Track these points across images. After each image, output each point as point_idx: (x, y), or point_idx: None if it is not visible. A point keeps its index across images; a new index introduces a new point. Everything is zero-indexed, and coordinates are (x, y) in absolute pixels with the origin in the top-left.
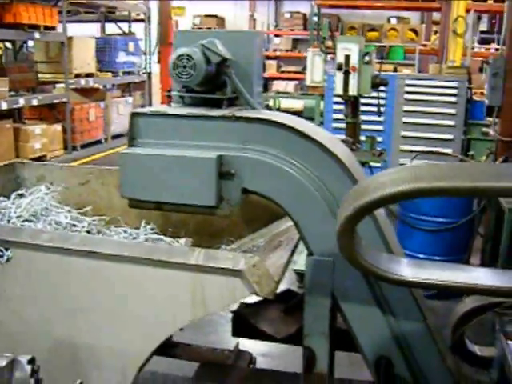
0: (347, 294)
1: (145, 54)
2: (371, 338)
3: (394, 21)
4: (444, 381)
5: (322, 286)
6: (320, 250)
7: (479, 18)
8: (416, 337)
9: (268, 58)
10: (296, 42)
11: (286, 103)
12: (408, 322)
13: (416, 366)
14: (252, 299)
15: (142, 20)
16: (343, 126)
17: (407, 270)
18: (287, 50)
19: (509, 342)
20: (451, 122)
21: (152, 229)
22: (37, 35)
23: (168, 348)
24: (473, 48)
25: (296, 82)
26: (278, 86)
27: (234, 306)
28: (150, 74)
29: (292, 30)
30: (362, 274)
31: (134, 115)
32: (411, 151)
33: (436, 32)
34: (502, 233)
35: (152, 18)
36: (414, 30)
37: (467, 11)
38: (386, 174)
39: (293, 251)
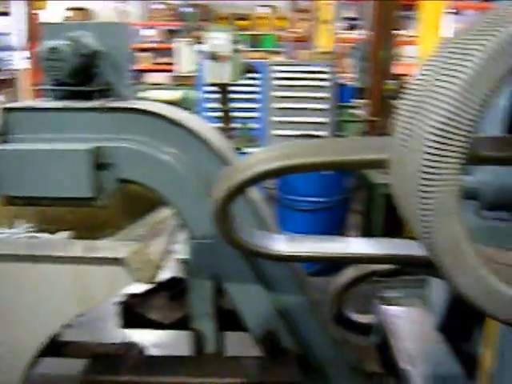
0: (229, 274)
1: (12, 49)
2: (256, 314)
3: (263, 9)
4: (328, 349)
5: (204, 268)
6: (200, 233)
7: (345, 6)
8: (298, 310)
9: (141, 50)
10: (170, 34)
11: (161, 95)
12: (290, 297)
13: (301, 337)
14: (139, 289)
15: (4, 13)
16: (217, 114)
17: (284, 245)
18: (161, 42)
19: (384, 306)
20: (323, 106)
21: (27, 227)
22: None
23: (58, 347)
24: (340, 34)
25: (171, 73)
26: (152, 78)
27: (121, 298)
28: (18, 70)
29: (164, 21)
30: (242, 253)
31: (3, 110)
32: (286, 136)
33: (305, 20)
34: (374, 208)
35: (17, 11)
36: (283, 18)
37: None
38: (256, 154)
39: (173, 238)
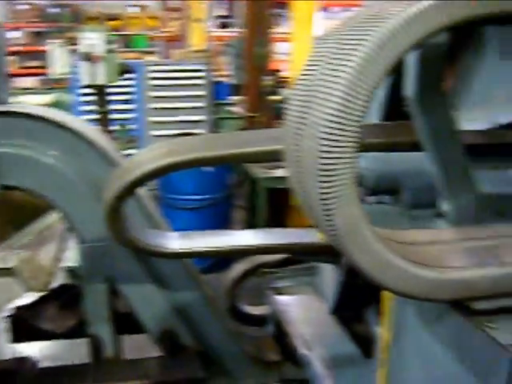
0: (123, 276)
1: None
2: (153, 314)
3: (133, 9)
4: (226, 342)
5: (97, 271)
6: (91, 236)
7: (217, 4)
8: (195, 306)
9: (6, 54)
10: (37, 36)
11: (31, 99)
12: (186, 294)
13: (200, 333)
14: (27, 300)
15: None
16: (94, 117)
17: (177, 242)
18: (27, 45)
19: (277, 296)
20: (200, 104)
21: None
22: None
23: None
24: (212, 32)
25: (41, 76)
26: (20, 82)
27: (10, 311)
28: None
29: (30, 22)
30: (136, 253)
31: None
32: (164, 135)
33: (177, 19)
34: (258, 203)
35: None
36: (154, 18)
37: None
38: (143, 152)
39: (64, 243)
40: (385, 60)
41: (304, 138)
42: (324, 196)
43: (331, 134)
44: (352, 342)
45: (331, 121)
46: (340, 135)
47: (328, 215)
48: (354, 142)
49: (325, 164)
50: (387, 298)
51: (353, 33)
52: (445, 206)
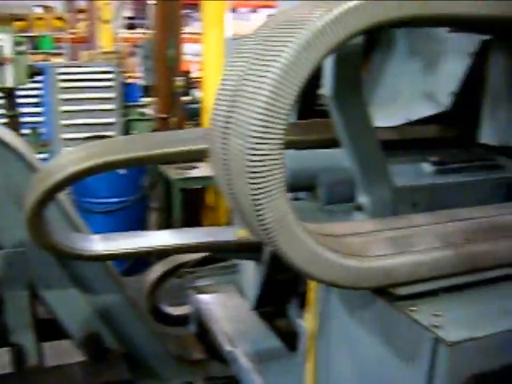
0: (44, 281)
1: None
2: (75, 318)
3: (38, 10)
4: (150, 343)
5: (17, 278)
6: (10, 242)
7: (124, 5)
8: (117, 309)
9: None
10: None
11: None
12: (107, 297)
13: (123, 336)
14: None
15: None
16: (2, 121)
17: (100, 244)
18: None
19: (199, 295)
20: (110, 106)
21: None
22: None
23: None
24: (121, 33)
25: None
26: None
27: None
28: None
29: None
30: (56, 257)
31: None
32: (76, 139)
33: (84, 20)
34: (173, 203)
35: None
36: (60, 19)
37: None
38: (63, 155)
39: None
40: (310, 60)
41: (232, 137)
42: (254, 192)
43: (260, 131)
44: (275, 336)
45: (259, 119)
46: (268, 133)
47: (258, 210)
48: (281, 139)
49: (254, 161)
50: (312, 289)
51: (277, 34)
52: (362, 200)
